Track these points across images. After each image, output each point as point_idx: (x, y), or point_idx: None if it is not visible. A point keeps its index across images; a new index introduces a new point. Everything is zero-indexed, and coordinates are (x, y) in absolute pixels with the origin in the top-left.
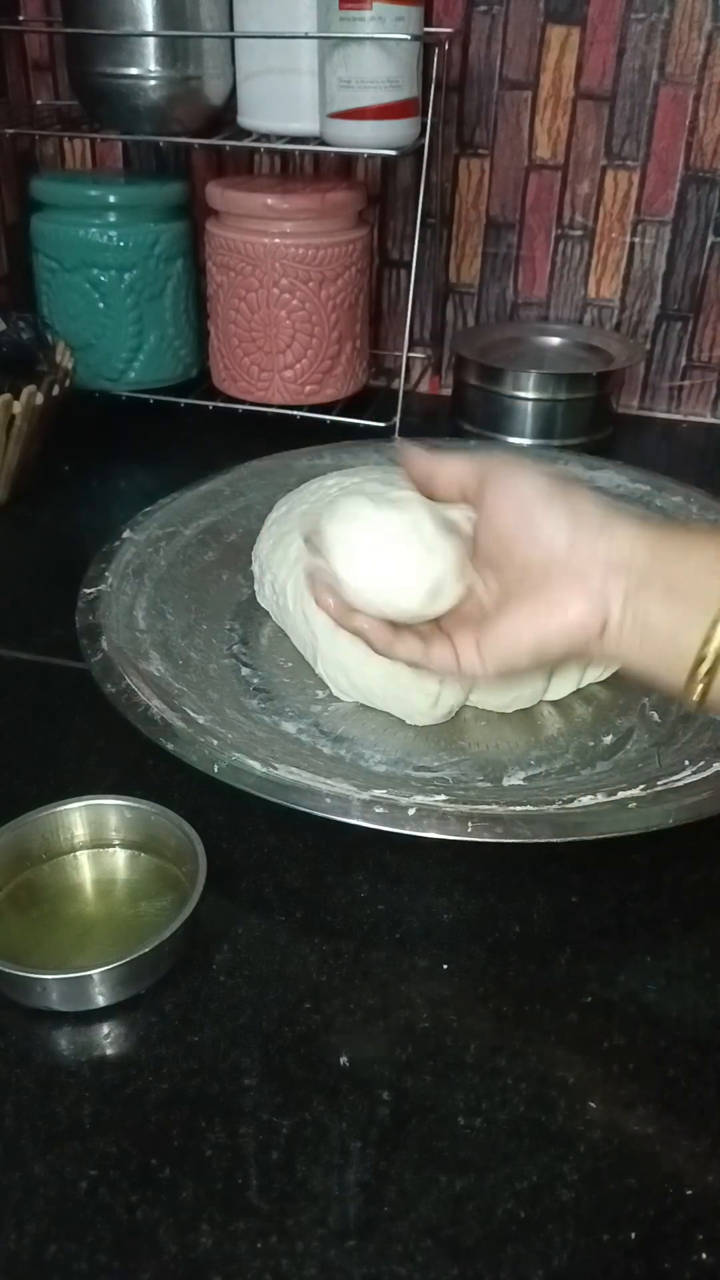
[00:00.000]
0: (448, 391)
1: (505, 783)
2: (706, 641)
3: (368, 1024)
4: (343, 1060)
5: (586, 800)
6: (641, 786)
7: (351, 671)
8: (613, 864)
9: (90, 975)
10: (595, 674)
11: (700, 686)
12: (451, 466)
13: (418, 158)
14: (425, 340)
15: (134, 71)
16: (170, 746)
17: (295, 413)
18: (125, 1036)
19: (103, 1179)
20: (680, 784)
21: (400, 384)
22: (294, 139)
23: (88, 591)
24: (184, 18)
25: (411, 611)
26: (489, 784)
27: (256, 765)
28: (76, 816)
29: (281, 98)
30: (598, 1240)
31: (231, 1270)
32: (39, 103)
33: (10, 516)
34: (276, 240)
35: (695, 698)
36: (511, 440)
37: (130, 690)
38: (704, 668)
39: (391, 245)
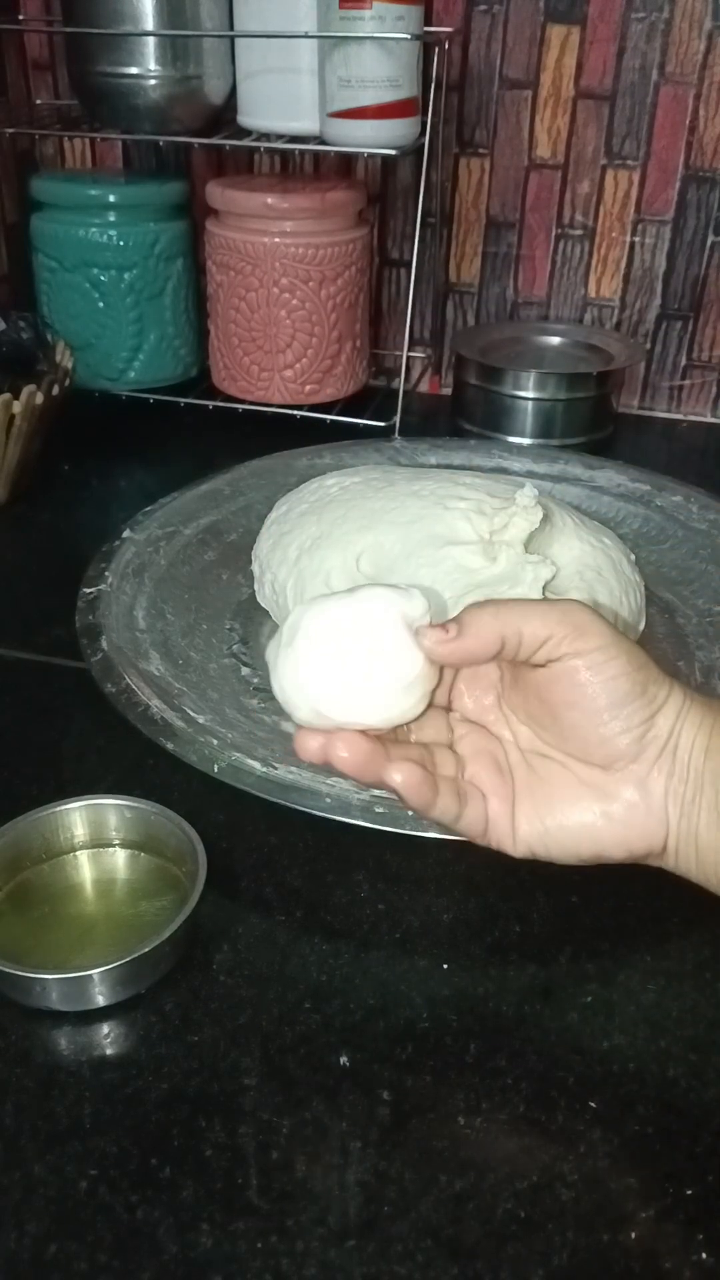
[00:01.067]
0: (448, 391)
1: None
2: None
3: (368, 1024)
4: (343, 1060)
5: None
6: None
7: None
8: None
9: (90, 975)
10: None
11: None
12: (525, 627)
13: (418, 157)
14: (425, 340)
15: (134, 71)
16: (170, 746)
17: (295, 412)
18: (125, 1036)
19: (103, 1179)
20: None
21: (400, 383)
22: (294, 138)
23: (88, 591)
24: (184, 17)
25: (396, 716)
26: None
27: (256, 765)
28: (76, 816)
29: (281, 97)
30: (598, 1240)
31: (231, 1270)
32: (39, 102)
33: (10, 516)
34: (276, 240)
35: None
36: (511, 440)
37: (130, 690)
38: None
39: (391, 245)
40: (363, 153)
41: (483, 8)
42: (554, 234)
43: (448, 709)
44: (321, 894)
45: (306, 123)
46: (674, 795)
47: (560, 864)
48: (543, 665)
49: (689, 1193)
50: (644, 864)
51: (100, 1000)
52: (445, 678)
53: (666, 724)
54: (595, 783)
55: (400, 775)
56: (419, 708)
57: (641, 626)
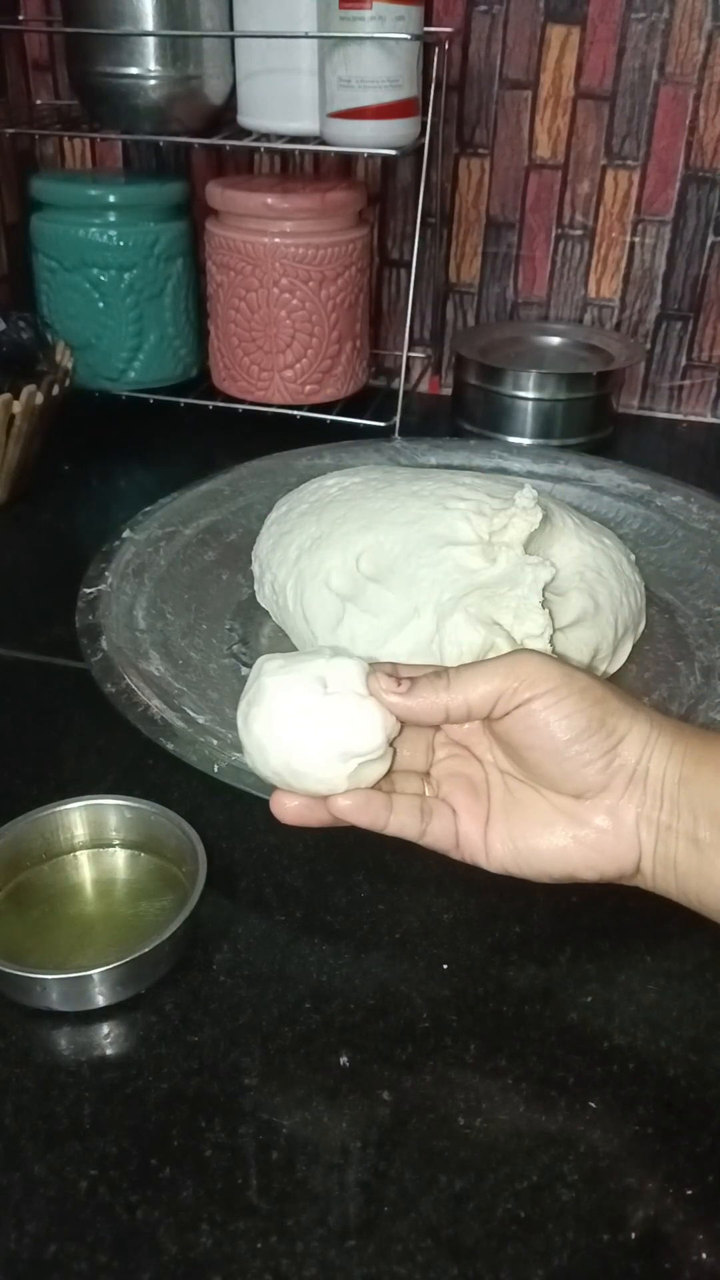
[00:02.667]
0: (448, 391)
1: None
2: None
3: (368, 1024)
4: (343, 1060)
5: None
6: None
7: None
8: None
9: (90, 975)
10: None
11: None
12: (471, 695)
13: (418, 157)
14: (425, 340)
15: (134, 71)
16: (170, 746)
17: (295, 413)
18: (125, 1036)
19: (103, 1179)
20: None
21: (400, 384)
22: (294, 139)
23: (88, 591)
24: (184, 17)
25: (335, 785)
26: None
27: None
28: (76, 816)
29: (281, 97)
30: (598, 1240)
31: (231, 1270)
32: (39, 102)
33: (10, 516)
34: (276, 240)
35: None
36: (511, 440)
37: (130, 690)
38: None
39: (391, 245)
40: (363, 153)
41: (483, 8)
42: (554, 234)
43: (435, 729)
44: (321, 894)
45: (306, 123)
46: (647, 821)
47: (533, 881)
48: (501, 717)
49: (689, 1193)
50: (618, 884)
51: (100, 1000)
52: None
53: (632, 754)
54: (567, 810)
55: (345, 800)
56: (370, 781)
57: (641, 626)
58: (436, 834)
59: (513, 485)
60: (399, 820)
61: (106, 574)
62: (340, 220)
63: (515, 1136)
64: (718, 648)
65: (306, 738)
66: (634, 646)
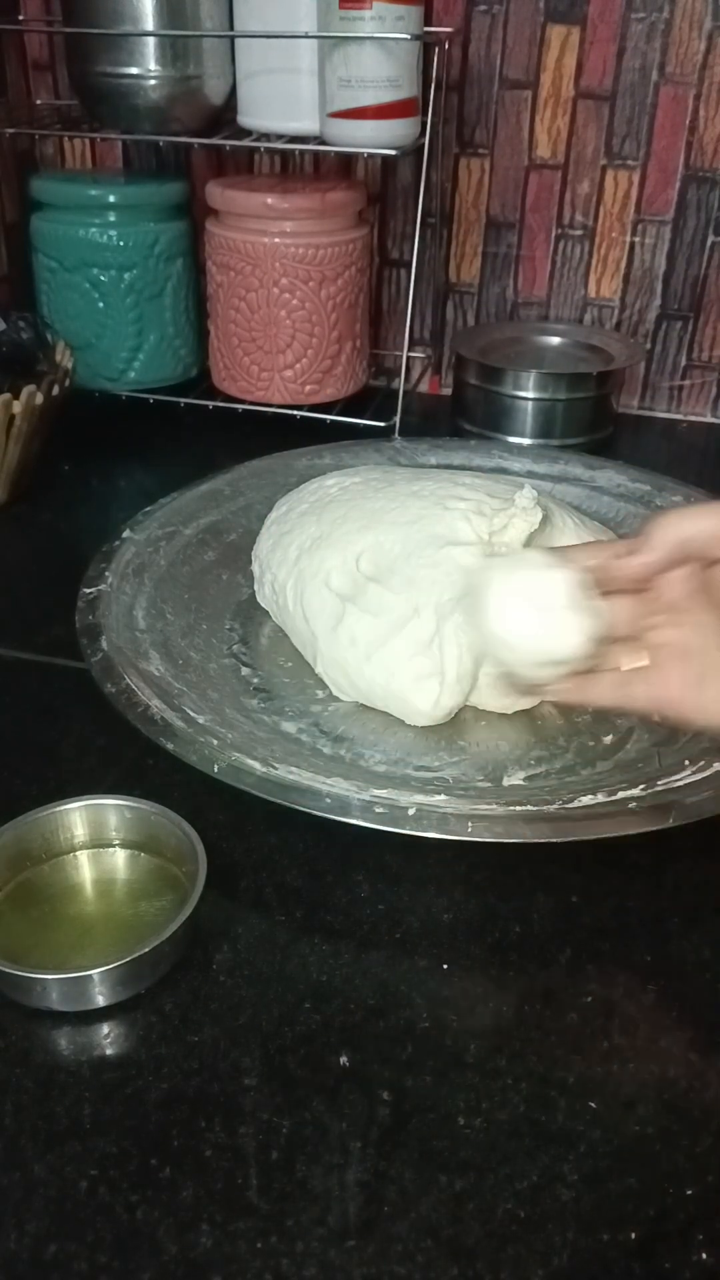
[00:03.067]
0: (448, 391)
1: (505, 782)
2: None
3: (368, 1024)
4: (343, 1060)
5: (586, 800)
6: (641, 786)
7: (351, 671)
8: (613, 864)
9: (90, 975)
10: None
11: None
12: (706, 523)
13: (418, 157)
14: (425, 340)
15: (134, 71)
16: (170, 746)
17: (295, 413)
18: (125, 1036)
19: (103, 1179)
20: (680, 784)
21: (400, 384)
22: (294, 138)
23: (88, 591)
24: (184, 17)
25: (558, 664)
26: (489, 784)
27: (256, 765)
28: (76, 816)
29: (281, 97)
30: (598, 1240)
31: (231, 1270)
32: (39, 102)
33: (10, 516)
34: (276, 240)
35: None
36: (511, 440)
37: (130, 690)
38: None
39: (391, 245)
40: (363, 153)
41: (483, 8)
42: (554, 234)
43: (646, 592)
44: (321, 894)
45: (306, 123)
46: None
47: None
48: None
49: (689, 1193)
50: None
51: (100, 1000)
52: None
53: None
54: None
55: (559, 687)
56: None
57: None
58: (640, 700)
59: (513, 485)
60: (600, 690)
61: (106, 574)
62: (340, 220)
63: (515, 1136)
64: None
65: (529, 628)
66: None
